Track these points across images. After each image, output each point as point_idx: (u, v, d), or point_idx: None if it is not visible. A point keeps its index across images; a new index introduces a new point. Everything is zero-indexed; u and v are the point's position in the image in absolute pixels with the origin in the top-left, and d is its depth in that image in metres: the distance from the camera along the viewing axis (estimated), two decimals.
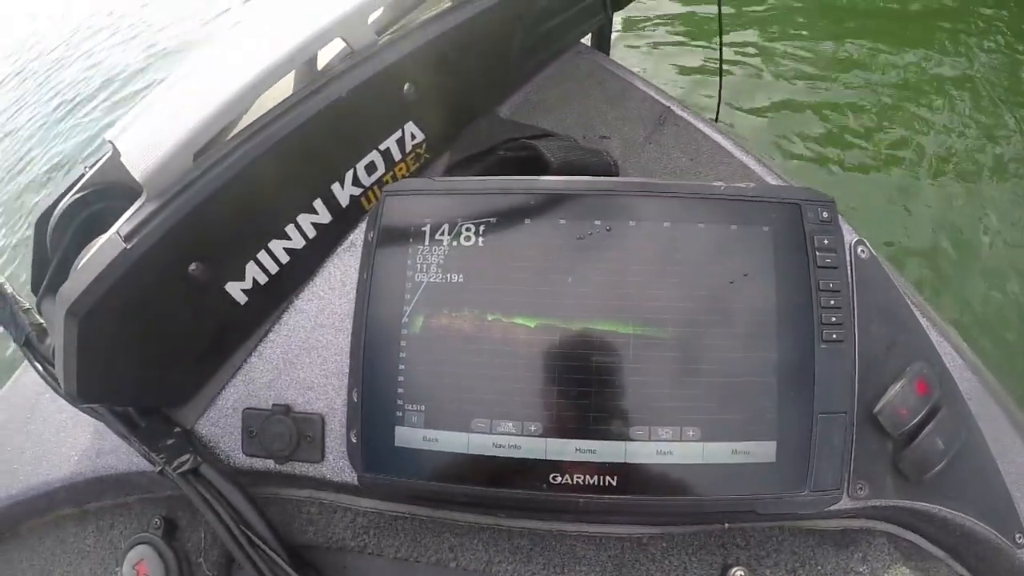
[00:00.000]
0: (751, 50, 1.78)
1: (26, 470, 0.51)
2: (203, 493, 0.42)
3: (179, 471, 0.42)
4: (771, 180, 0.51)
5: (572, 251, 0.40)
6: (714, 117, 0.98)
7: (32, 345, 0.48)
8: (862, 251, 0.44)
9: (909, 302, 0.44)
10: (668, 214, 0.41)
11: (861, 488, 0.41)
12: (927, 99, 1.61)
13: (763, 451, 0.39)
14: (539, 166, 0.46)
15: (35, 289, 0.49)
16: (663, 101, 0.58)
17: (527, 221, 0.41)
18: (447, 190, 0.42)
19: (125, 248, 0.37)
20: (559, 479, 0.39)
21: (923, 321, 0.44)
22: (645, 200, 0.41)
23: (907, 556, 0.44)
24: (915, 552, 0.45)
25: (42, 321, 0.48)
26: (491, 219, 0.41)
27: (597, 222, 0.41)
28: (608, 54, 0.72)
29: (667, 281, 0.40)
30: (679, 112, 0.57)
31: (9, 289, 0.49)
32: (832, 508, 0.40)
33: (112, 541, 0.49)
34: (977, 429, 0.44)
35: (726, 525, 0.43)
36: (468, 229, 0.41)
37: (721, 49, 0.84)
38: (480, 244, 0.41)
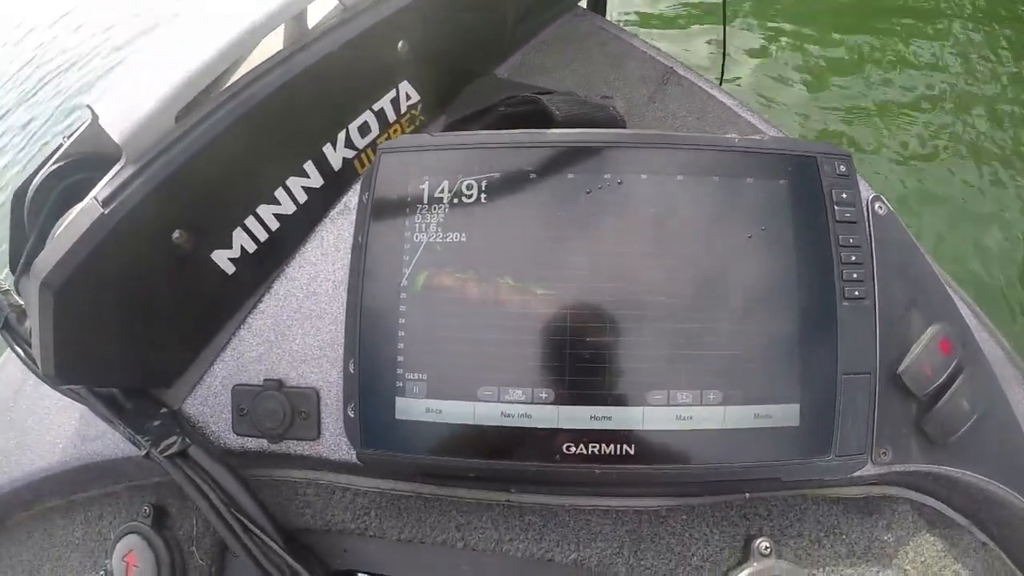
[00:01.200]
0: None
1: (9, 461, 0.48)
2: (192, 477, 0.39)
3: (166, 454, 0.39)
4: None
5: (581, 206, 0.38)
6: (718, 79, 0.97)
7: (11, 328, 0.44)
8: (880, 207, 0.42)
9: (928, 259, 0.43)
10: (681, 166, 0.39)
11: (885, 453, 0.40)
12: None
13: (786, 414, 0.37)
14: (542, 121, 0.44)
15: (13, 268, 0.46)
16: (665, 62, 0.56)
17: (532, 176, 0.39)
18: (446, 145, 0.40)
19: (103, 214, 0.35)
20: (573, 449, 0.37)
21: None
22: (657, 152, 0.39)
23: (931, 523, 0.43)
24: (938, 519, 0.43)
25: (21, 302, 0.45)
26: (494, 174, 0.39)
27: (607, 175, 0.38)
28: (604, 15, 0.70)
29: (682, 237, 0.38)
30: (682, 72, 0.55)
31: None
32: (855, 475, 0.39)
33: (101, 532, 0.47)
34: (1000, 390, 0.43)
35: (747, 495, 0.41)
36: (470, 186, 0.39)
37: (724, 5, 0.82)
38: (483, 201, 0.38)
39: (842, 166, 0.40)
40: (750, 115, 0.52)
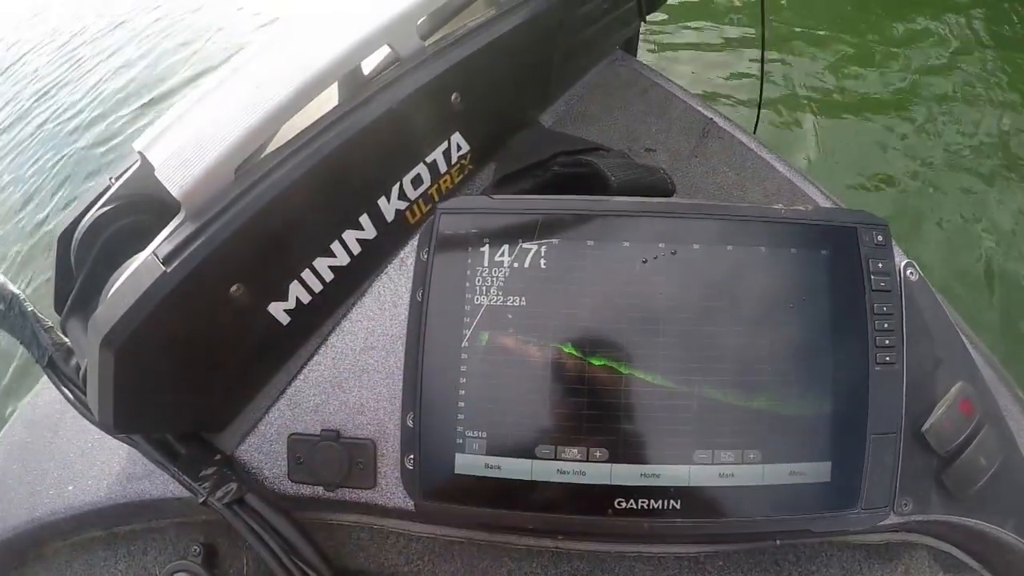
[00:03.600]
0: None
1: (50, 493, 0.48)
2: (250, 523, 0.41)
3: (224, 501, 0.40)
4: (818, 197, 0.52)
5: (637, 275, 0.40)
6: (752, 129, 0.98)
7: (56, 366, 0.45)
8: (911, 273, 0.44)
9: (952, 322, 0.46)
10: (731, 236, 0.41)
11: (906, 504, 0.42)
12: None
13: (819, 471, 0.40)
14: (596, 184, 0.45)
15: (58, 308, 0.46)
16: (706, 112, 0.58)
17: (590, 243, 0.40)
18: (506, 209, 0.41)
19: (164, 272, 0.35)
20: (624, 504, 0.39)
21: (963, 338, 0.46)
22: (709, 222, 0.41)
23: (946, 568, 0.46)
24: (952, 564, 0.46)
25: (67, 341, 0.46)
26: (553, 240, 0.40)
27: (662, 245, 0.40)
28: (635, 55, 0.71)
29: (731, 307, 0.40)
30: (722, 124, 0.57)
31: (30, 307, 0.46)
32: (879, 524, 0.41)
33: (146, 567, 0.47)
34: (1015, 445, 0.46)
35: (777, 542, 0.44)
36: (529, 251, 0.40)
37: (763, 55, 0.84)
38: (542, 266, 0.40)
39: (879, 236, 0.42)
40: (788, 170, 0.54)
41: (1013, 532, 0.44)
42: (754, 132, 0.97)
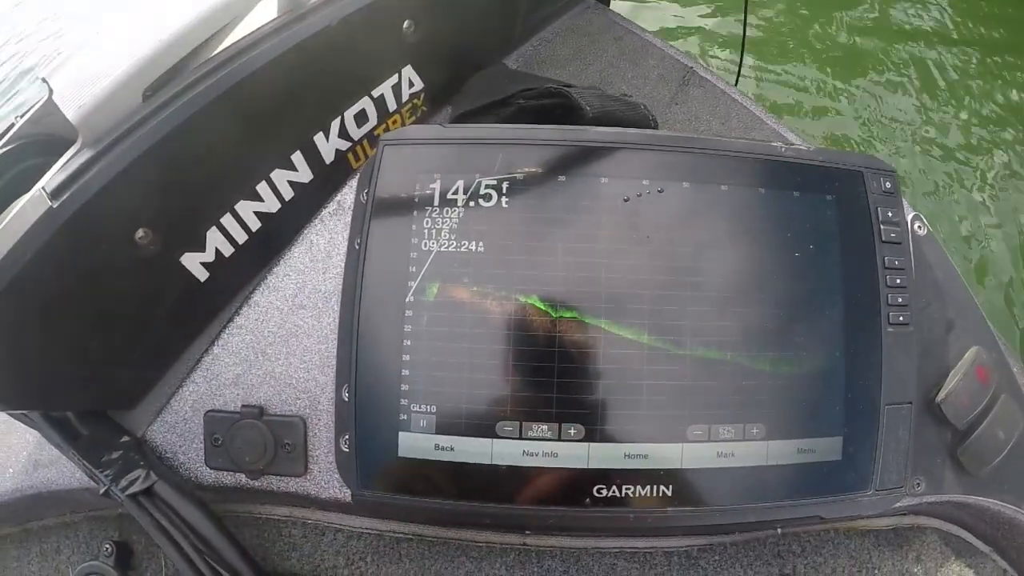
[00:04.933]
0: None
1: None
2: (158, 518, 0.34)
3: (128, 492, 0.34)
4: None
5: (618, 216, 0.34)
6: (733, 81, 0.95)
7: None
8: (919, 227, 0.40)
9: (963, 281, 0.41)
10: (726, 175, 0.35)
11: (919, 483, 0.38)
12: None
13: (829, 448, 0.35)
14: (567, 117, 0.39)
15: None
16: (685, 61, 0.53)
17: (562, 178, 0.34)
18: (463, 139, 0.34)
19: (51, 207, 0.30)
20: (604, 492, 0.32)
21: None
22: (700, 158, 0.35)
23: (957, 553, 0.42)
24: (964, 548, 0.42)
25: None
26: (517, 174, 0.34)
27: (646, 182, 0.34)
28: (608, 6, 0.66)
29: (728, 254, 0.34)
30: (703, 74, 0.52)
31: None
32: None
33: (59, 568, 0.41)
34: None
35: (779, 531, 0.38)
36: (489, 187, 0.34)
37: (746, 9, 0.80)
38: (504, 205, 0.33)
39: (887, 183, 0.37)
40: (775, 123, 0.49)
41: None
42: (736, 82, 0.93)
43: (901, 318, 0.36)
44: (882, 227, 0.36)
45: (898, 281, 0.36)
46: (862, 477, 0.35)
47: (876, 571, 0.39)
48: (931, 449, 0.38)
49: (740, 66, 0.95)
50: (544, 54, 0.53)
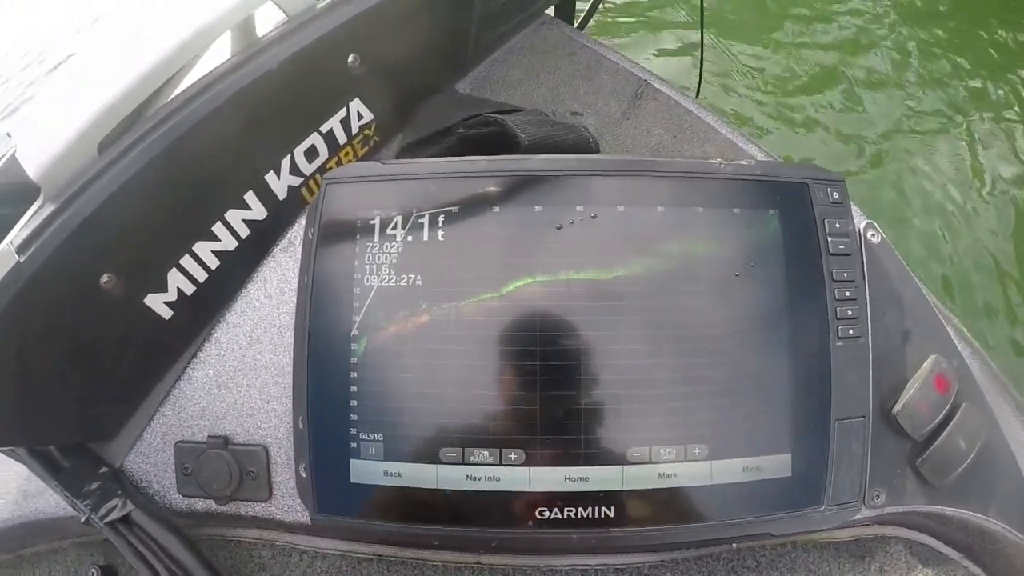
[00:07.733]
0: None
1: None
2: (135, 544, 0.37)
3: (107, 520, 0.36)
4: (763, 158, 0.46)
5: (551, 243, 0.34)
6: (695, 93, 0.94)
7: None
8: (872, 235, 0.39)
9: (920, 288, 0.40)
10: (662, 197, 0.35)
11: (878, 495, 0.37)
12: None
13: (777, 466, 0.35)
14: (506, 145, 0.39)
15: None
16: (639, 74, 0.52)
17: (495, 209, 0.34)
18: (398, 174, 0.35)
19: (18, 262, 0.31)
20: (546, 514, 0.33)
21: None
22: (635, 180, 0.35)
23: (924, 561, 0.41)
24: (931, 556, 0.42)
25: None
26: (452, 208, 0.34)
27: (579, 208, 0.34)
28: (573, 24, 0.66)
29: (664, 278, 0.34)
30: (657, 86, 0.51)
31: None
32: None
33: None
34: (995, 424, 0.40)
35: (734, 545, 0.38)
36: (424, 221, 0.35)
37: (703, 20, 0.79)
38: (440, 238, 0.34)
39: (835, 192, 0.37)
40: (729, 132, 0.48)
41: (997, 519, 0.39)
42: (697, 96, 0.92)
43: (851, 331, 0.36)
44: (829, 239, 0.36)
45: (847, 294, 0.36)
46: (814, 493, 0.35)
47: None
48: (890, 460, 0.38)
49: (700, 77, 0.93)
50: (496, 75, 0.53)
